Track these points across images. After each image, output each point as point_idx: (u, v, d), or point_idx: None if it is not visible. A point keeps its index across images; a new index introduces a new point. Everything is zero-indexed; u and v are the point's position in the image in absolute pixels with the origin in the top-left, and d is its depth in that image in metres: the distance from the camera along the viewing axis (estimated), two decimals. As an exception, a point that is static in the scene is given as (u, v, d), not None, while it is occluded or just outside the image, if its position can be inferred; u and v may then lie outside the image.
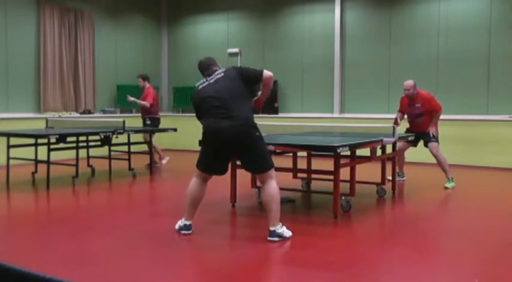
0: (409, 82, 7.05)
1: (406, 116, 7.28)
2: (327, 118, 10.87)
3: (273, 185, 4.32)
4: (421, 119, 7.03)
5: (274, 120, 11.24)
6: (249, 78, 4.37)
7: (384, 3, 10.69)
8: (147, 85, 9.34)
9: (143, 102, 9.11)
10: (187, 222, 4.55)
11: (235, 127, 4.21)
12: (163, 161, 9.53)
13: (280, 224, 4.34)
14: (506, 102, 9.43)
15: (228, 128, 4.22)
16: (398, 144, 7.00)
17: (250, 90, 4.44)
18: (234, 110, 4.24)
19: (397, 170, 7.25)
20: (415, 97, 7.02)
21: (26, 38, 10.29)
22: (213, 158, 4.45)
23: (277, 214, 4.31)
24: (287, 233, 4.36)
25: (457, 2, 9.96)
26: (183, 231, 4.53)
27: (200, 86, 4.51)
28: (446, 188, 6.94)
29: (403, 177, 7.48)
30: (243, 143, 4.28)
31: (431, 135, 6.97)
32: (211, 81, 4.43)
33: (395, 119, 7.14)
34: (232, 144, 4.30)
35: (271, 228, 4.29)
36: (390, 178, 6.70)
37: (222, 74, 4.42)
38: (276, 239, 4.26)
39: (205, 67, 4.62)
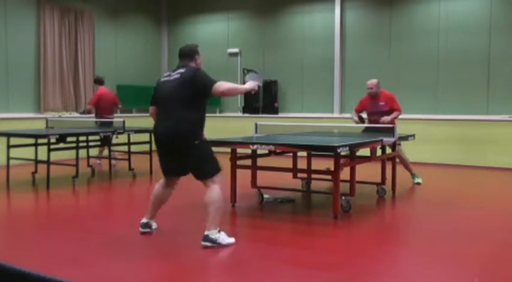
0: (373, 81, 7.09)
1: (365, 116, 7.30)
2: (326, 118, 10.86)
3: (215, 189, 4.20)
4: (378, 119, 7.00)
5: (274, 120, 11.25)
6: (199, 90, 4.20)
7: (384, 3, 10.69)
8: (102, 87, 9.61)
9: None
10: (145, 220, 4.55)
11: (175, 131, 4.18)
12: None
13: (217, 229, 4.17)
14: (506, 102, 9.43)
15: (168, 131, 4.21)
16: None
17: (200, 98, 4.27)
18: (178, 114, 4.18)
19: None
20: (378, 96, 7.07)
21: (26, 38, 10.29)
22: (163, 159, 4.41)
23: (215, 219, 4.17)
24: (224, 239, 4.17)
25: (457, 2, 9.96)
26: (141, 229, 4.53)
27: (162, 80, 4.46)
28: (418, 183, 7.15)
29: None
30: (182, 148, 4.20)
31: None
32: (171, 78, 4.34)
33: (359, 118, 7.15)
34: (172, 147, 4.25)
35: (205, 232, 4.15)
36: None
37: (179, 75, 4.28)
38: (208, 244, 4.11)
39: (180, 57, 4.48)
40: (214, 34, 12.80)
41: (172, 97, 4.25)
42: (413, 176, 7.35)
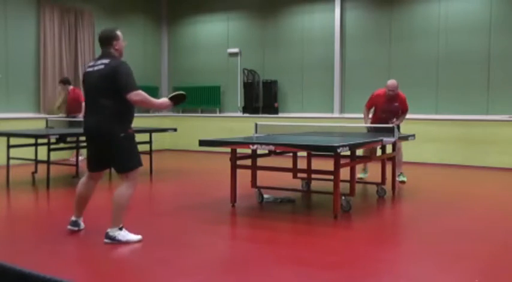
0: (394, 83, 7.12)
1: (373, 111, 7.34)
2: (327, 118, 10.86)
3: (124, 187, 4.21)
4: (388, 118, 7.12)
5: (274, 120, 11.25)
6: (118, 86, 4.09)
7: (384, 3, 10.69)
8: (71, 87, 9.99)
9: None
10: (74, 218, 4.56)
11: (99, 125, 4.15)
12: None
13: (119, 226, 4.19)
14: (506, 102, 9.43)
15: (93, 125, 4.19)
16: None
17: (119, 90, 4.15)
18: (102, 107, 4.11)
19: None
20: (396, 97, 7.14)
21: (26, 38, 10.29)
22: (91, 152, 4.42)
23: (118, 217, 4.18)
24: (124, 236, 4.17)
25: (457, 2, 9.96)
26: (69, 227, 4.53)
27: (86, 70, 4.35)
28: (403, 182, 7.17)
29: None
30: (105, 141, 4.17)
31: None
32: (94, 69, 4.21)
33: (368, 117, 7.24)
34: (98, 140, 4.24)
35: (107, 229, 4.19)
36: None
37: (102, 66, 4.15)
38: (108, 240, 4.15)
39: (100, 44, 4.33)
40: (214, 34, 12.80)
41: (95, 89, 4.17)
42: (400, 174, 7.32)
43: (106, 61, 4.15)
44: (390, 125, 6.24)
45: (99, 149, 4.29)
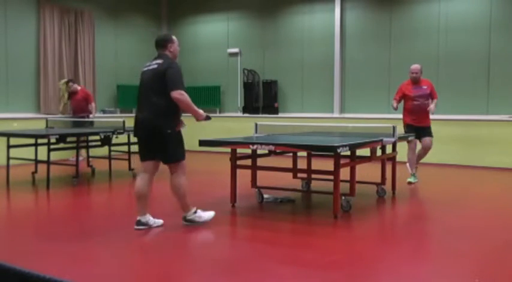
0: (417, 66, 7.33)
1: (406, 106, 7.38)
2: (327, 118, 10.86)
3: (176, 178, 4.62)
4: (427, 103, 7.19)
5: (274, 120, 11.25)
6: (166, 82, 4.46)
7: (384, 3, 10.69)
8: (79, 87, 9.99)
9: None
10: (138, 218, 4.71)
11: (150, 121, 4.51)
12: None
13: (193, 210, 4.76)
14: (506, 102, 9.43)
15: (144, 120, 4.55)
16: (413, 143, 7.27)
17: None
18: (152, 104, 4.49)
19: (411, 171, 7.33)
20: (420, 81, 7.30)
21: (26, 38, 10.29)
22: (141, 146, 4.70)
23: (185, 203, 4.71)
24: (200, 217, 4.77)
25: (457, 2, 9.96)
26: (135, 227, 4.67)
27: (143, 69, 4.74)
28: (410, 183, 7.25)
29: (416, 179, 7.45)
30: (155, 136, 4.51)
31: (430, 127, 7.32)
32: (149, 68, 4.63)
33: (395, 105, 7.30)
34: (148, 135, 4.57)
35: (183, 214, 4.76)
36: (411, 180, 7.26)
37: (156, 66, 4.56)
38: (187, 223, 4.75)
39: (156, 47, 4.75)
40: (214, 34, 12.80)
41: (148, 87, 4.57)
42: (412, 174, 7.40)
43: (160, 61, 4.57)
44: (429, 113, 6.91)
45: (148, 141, 4.61)
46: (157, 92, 4.46)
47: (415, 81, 7.28)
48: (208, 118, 4.81)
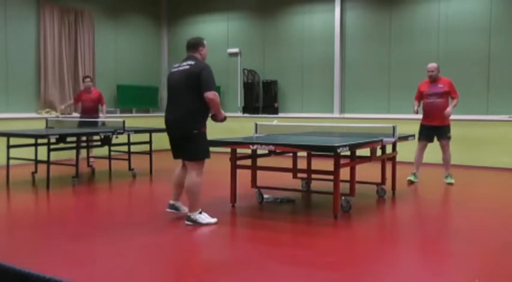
0: (433, 64, 7.35)
1: (422, 105, 7.40)
2: (327, 118, 10.86)
3: (194, 176, 4.75)
4: (441, 101, 7.17)
5: (274, 120, 11.23)
6: (200, 83, 4.65)
7: (384, 3, 10.69)
8: (93, 86, 9.86)
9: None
10: (171, 202, 5.09)
11: (179, 120, 4.72)
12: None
13: (198, 211, 4.81)
14: (506, 102, 9.42)
15: (174, 119, 4.76)
16: (420, 144, 7.34)
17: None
18: (182, 104, 4.68)
19: (413, 170, 7.35)
20: (438, 79, 7.28)
21: (26, 38, 10.29)
22: (171, 143, 4.94)
23: (195, 202, 4.78)
24: (204, 219, 4.80)
25: (457, 2, 9.95)
26: (167, 209, 5.08)
27: (172, 70, 4.94)
28: (451, 184, 7.20)
29: (416, 178, 7.48)
30: (182, 135, 4.73)
31: (447, 129, 7.28)
32: (180, 68, 4.80)
33: (415, 107, 7.36)
34: (176, 134, 4.80)
35: (188, 213, 4.84)
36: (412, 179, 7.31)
37: (188, 67, 4.73)
38: (189, 223, 4.78)
39: (187, 48, 4.95)
40: (214, 34, 12.79)
41: (178, 87, 4.74)
42: (447, 175, 7.37)
43: (191, 62, 4.75)
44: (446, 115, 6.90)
45: (175, 140, 4.85)
46: (189, 92, 4.63)
47: (432, 80, 7.27)
48: (225, 119, 4.94)
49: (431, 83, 7.29)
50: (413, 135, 6.83)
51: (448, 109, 7.12)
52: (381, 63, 10.65)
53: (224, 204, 5.71)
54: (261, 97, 11.96)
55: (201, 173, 4.80)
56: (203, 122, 4.76)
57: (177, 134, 4.78)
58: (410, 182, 7.29)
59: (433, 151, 7.59)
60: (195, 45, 4.88)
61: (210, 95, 4.59)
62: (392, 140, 5.92)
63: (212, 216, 4.90)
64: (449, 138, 7.29)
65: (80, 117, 9.47)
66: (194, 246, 4.44)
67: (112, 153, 8.19)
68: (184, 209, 5.02)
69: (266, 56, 12.08)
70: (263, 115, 11.67)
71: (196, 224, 4.77)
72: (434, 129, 7.27)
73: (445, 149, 7.29)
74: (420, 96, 7.41)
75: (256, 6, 12.25)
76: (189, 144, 4.70)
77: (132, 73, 12.60)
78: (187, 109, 4.65)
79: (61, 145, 7.17)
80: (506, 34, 9.45)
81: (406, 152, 7.98)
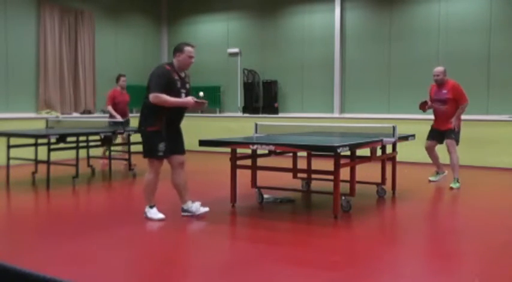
0: (439, 68, 7.19)
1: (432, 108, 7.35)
2: (327, 118, 10.86)
3: (146, 173, 5.06)
4: (444, 108, 7.09)
5: (274, 120, 11.25)
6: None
7: (384, 3, 10.69)
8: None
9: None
10: (182, 206, 5.21)
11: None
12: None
13: (149, 205, 5.05)
14: (506, 102, 9.43)
15: None
16: (426, 144, 7.33)
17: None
18: (143, 104, 5.01)
19: (436, 168, 7.45)
20: (444, 83, 7.11)
21: (26, 38, 10.29)
22: None
23: (146, 196, 5.07)
24: (152, 214, 4.99)
25: (457, 2, 9.96)
26: (182, 214, 5.15)
27: None
28: (451, 188, 6.97)
29: (443, 173, 7.48)
30: (139, 131, 5.09)
31: (452, 131, 7.10)
32: None
33: (426, 107, 7.26)
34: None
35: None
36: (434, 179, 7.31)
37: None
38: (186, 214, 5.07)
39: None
40: (214, 34, 12.80)
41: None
42: (454, 180, 7.10)
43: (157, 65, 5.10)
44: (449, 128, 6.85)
45: None
46: (147, 93, 4.91)
47: (438, 84, 7.14)
48: (201, 104, 5.01)
49: (438, 88, 7.17)
50: (414, 135, 6.83)
51: (453, 121, 7.00)
52: (380, 63, 10.66)
53: (224, 204, 5.71)
54: (261, 97, 11.96)
55: (152, 171, 4.98)
56: (151, 122, 4.88)
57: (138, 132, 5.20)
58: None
59: (437, 151, 7.58)
60: (174, 51, 5.05)
61: (150, 97, 4.81)
62: (393, 140, 5.92)
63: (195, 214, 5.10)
64: (453, 138, 7.10)
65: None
66: (195, 246, 4.44)
67: (112, 153, 8.18)
68: (194, 207, 5.12)
69: (266, 56, 12.08)
70: (263, 115, 11.67)
71: (146, 216, 5.02)
72: (442, 133, 7.21)
73: (450, 151, 7.09)
74: (431, 99, 7.35)
75: (256, 6, 12.25)
76: (142, 140, 5.05)
77: (132, 73, 12.57)
78: (143, 108, 4.99)
79: (61, 145, 7.17)
80: (506, 34, 9.45)
81: (406, 152, 7.99)
